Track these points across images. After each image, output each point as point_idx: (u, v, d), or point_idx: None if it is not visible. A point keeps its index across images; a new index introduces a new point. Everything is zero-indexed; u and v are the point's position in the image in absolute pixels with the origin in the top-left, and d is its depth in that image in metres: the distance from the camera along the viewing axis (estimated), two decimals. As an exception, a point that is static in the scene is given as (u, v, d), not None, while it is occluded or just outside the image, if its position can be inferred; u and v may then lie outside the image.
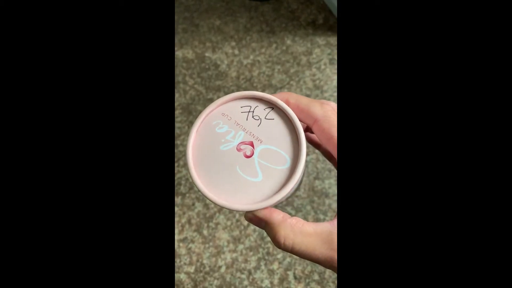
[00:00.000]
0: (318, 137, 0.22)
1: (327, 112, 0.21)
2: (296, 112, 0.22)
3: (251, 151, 0.20)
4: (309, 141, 0.28)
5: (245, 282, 0.67)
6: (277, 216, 0.20)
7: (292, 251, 0.20)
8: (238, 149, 0.20)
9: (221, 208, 0.75)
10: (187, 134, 0.84)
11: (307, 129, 0.26)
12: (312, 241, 0.20)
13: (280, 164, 0.20)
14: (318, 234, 0.20)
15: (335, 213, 0.21)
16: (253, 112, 0.21)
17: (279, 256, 0.70)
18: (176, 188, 0.77)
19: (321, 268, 0.69)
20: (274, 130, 0.20)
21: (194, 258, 0.70)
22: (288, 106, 0.22)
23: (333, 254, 0.19)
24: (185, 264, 0.70)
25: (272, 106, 0.21)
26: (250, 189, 0.20)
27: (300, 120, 0.22)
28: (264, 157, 0.20)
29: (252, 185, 0.20)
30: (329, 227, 0.20)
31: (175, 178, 0.79)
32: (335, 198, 0.69)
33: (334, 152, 0.21)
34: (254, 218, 0.21)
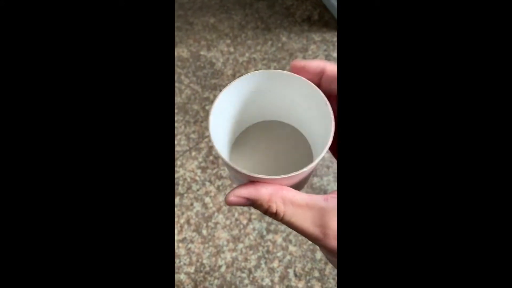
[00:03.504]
0: None
1: None
2: (331, 80, 0.21)
3: None
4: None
5: (246, 281, 0.67)
6: (266, 191, 0.19)
7: (282, 221, 0.19)
8: None
9: (220, 208, 0.75)
10: (183, 134, 0.83)
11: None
12: (302, 213, 0.19)
13: None
14: (310, 207, 0.19)
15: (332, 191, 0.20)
16: None
17: (279, 254, 0.70)
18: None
19: (321, 265, 0.69)
20: None
21: (194, 258, 0.70)
22: (324, 75, 0.22)
23: (323, 232, 0.18)
24: (185, 264, 0.70)
25: None
26: None
27: (331, 93, 0.22)
28: None
29: None
30: (322, 203, 0.19)
31: (173, 178, 0.78)
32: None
33: None
34: (238, 200, 0.20)
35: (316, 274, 0.68)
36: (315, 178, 0.75)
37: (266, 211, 0.19)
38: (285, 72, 0.22)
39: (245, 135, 0.27)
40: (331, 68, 0.21)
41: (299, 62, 0.22)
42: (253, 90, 0.23)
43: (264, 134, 0.27)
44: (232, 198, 0.19)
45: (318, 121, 0.22)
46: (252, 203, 0.20)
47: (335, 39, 0.79)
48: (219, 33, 0.93)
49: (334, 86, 0.21)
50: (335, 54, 0.78)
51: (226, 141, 0.25)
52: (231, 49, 0.88)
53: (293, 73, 0.21)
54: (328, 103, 0.20)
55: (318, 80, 0.22)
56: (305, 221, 0.19)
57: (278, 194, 0.19)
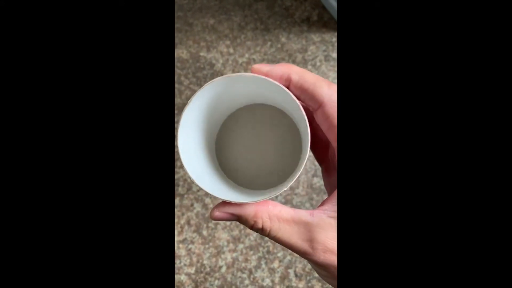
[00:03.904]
0: (320, 123, 0.21)
1: (334, 96, 0.19)
2: (298, 93, 0.20)
3: None
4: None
5: (246, 281, 0.67)
6: (251, 207, 0.19)
7: (269, 236, 0.19)
8: None
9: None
10: (183, 134, 0.83)
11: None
12: (288, 228, 0.19)
13: None
14: (296, 222, 0.19)
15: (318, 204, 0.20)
16: None
17: (280, 254, 0.70)
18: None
19: (321, 265, 0.69)
20: None
21: (194, 259, 0.70)
22: (290, 84, 0.20)
23: (311, 247, 0.18)
24: (185, 265, 0.70)
25: None
26: None
27: (301, 101, 0.20)
28: None
29: None
30: (307, 218, 0.19)
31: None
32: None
33: (334, 143, 0.20)
34: (223, 215, 0.20)
35: (316, 274, 0.68)
36: (315, 178, 0.75)
37: (252, 227, 0.19)
38: (249, 74, 0.19)
39: (231, 121, 0.26)
40: (296, 78, 0.19)
41: (261, 68, 0.20)
42: (219, 94, 0.21)
43: (250, 118, 0.26)
44: (217, 213, 0.20)
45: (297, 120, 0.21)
46: (237, 218, 0.20)
47: (334, 39, 0.78)
48: (218, 34, 0.93)
49: (303, 97, 0.20)
50: (334, 55, 0.78)
51: (204, 146, 0.24)
52: (231, 50, 0.88)
53: (259, 75, 0.19)
54: (301, 108, 0.19)
55: (286, 87, 0.20)
56: (292, 236, 0.19)
57: (264, 209, 0.19)
